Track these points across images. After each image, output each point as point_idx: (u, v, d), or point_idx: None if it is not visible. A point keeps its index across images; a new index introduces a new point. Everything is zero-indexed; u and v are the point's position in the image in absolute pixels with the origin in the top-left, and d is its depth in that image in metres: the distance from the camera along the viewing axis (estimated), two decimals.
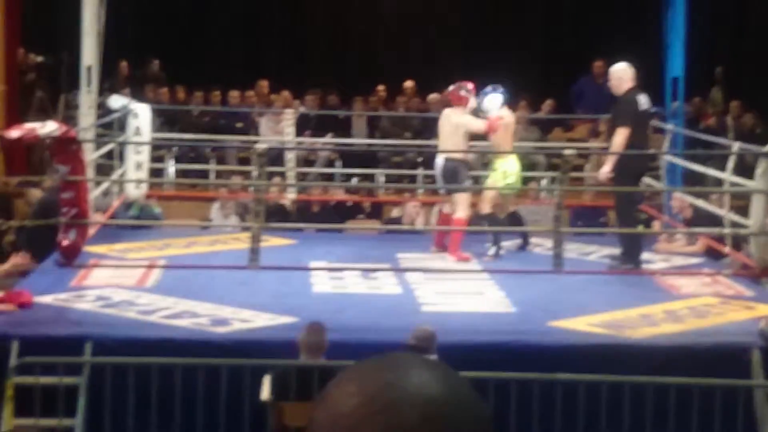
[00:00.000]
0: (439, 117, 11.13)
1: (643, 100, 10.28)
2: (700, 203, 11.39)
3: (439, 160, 10.79)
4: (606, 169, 10.14)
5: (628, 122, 10.06)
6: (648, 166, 11.20)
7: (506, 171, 10.83)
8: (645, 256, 11.12)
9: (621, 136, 10.01)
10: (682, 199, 11.57)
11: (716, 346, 7.94)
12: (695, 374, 7.27)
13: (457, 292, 9.39)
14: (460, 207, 10.65)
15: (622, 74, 10.36)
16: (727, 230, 10.34)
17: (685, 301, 9.20)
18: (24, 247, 9.15)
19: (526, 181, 15.12)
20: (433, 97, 15.42)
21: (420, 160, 14.91)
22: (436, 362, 1.52)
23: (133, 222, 12.33)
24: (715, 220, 10.93)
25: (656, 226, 12.52)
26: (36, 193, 13.33)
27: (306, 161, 15.53)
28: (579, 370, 7.33)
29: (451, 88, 11.06)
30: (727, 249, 10.45)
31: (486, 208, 10.93)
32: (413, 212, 13.19)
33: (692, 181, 12.97)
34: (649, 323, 8.45)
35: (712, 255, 11.02)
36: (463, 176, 10.73)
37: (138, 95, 14.83)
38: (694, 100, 16.21)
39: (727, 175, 10.97)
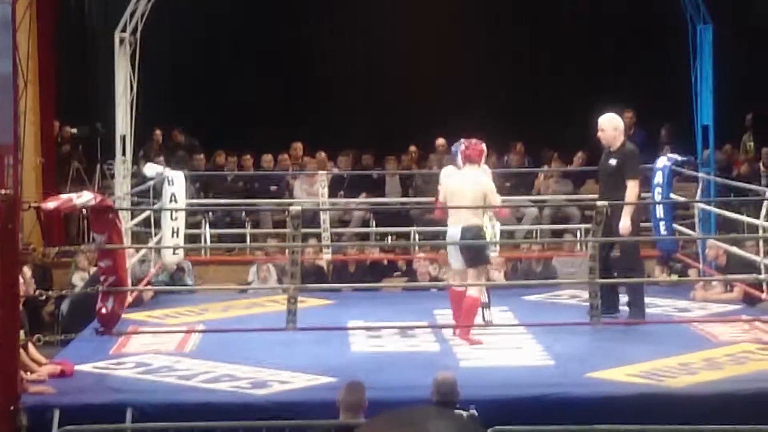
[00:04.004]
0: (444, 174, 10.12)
1: None
2: (735, 250, 11.36)
3: (456, 229, 9.54)
4: (627, 223, 9.98)
5: (638, 173, 10.21)
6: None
7: None
8: (683, 304, 11.15)
9: (636, 188, 10.09)
10: (716, 247, 11.54)
11: (757, 393, 7.90)
12: (736, 422, 7.21)
13: (496, 347, 9.39)
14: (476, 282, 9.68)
15: (617, 124, 10.33)
16: (763, 276, 10.29)
17: (723, 349, 9.18)
18: (65, 327, 9.16)
19: (559, 233, 15.12)
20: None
21: None
22: (452, 413, 1.56)
23: (172, 288, 12.39)
24: (751, 266, 10.89)
25: (692, 274, 12.49)
26: (83, 261, 13.48)
27: (341, 221, 15.61)
28: (619, 420, 7.30)
29: (468, 142, 9.75)
30: (764, 295, 10.40)
31: None
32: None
33: (727, 228, 12.94)
34: (688, 372, 8.42)
35: (750, 301, 10.98)
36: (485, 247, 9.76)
37: (174, 163, 14.98)
38: (726, 148, 16.21)
39: (761, 221, 10.93)
